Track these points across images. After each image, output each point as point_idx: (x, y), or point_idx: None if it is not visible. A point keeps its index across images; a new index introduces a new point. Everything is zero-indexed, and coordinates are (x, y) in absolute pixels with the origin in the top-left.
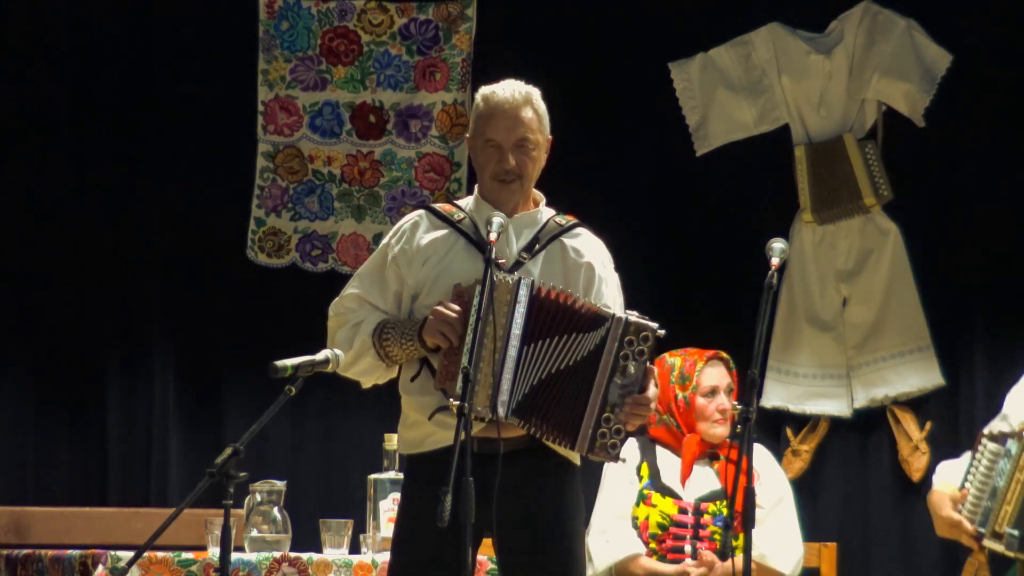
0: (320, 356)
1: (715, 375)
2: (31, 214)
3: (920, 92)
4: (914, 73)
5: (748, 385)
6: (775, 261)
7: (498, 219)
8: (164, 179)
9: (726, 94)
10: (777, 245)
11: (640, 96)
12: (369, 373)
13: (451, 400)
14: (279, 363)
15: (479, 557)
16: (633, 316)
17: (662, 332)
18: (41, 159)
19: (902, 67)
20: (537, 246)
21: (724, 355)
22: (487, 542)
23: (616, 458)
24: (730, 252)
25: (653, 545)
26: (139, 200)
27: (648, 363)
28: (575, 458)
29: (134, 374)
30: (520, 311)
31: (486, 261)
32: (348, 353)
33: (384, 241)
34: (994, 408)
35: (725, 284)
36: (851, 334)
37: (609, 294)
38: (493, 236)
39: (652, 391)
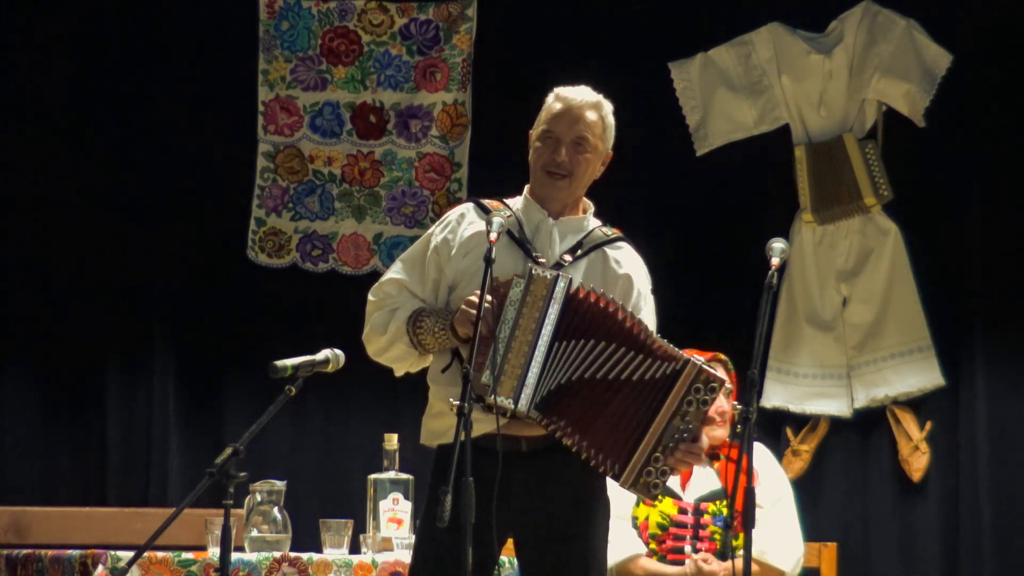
0: (320, 356)
1: None
2: (31, 215)
3: (920, 92)
4: (914, 73)
5: (748, 385)
6: (775, 261)
7: (498, 219)
8: (164, 179)
9: (726, 94)
10: (777, 245)
11: (640, 96)
12: (401, 360)
13: (451, 400)
14: (279, 363)
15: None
16: (706, 365)
17: (729, 386)
18: (41, 159)
19: (902, 67)
20: (580, 251)
21: (722, 357)
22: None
23: (654, 497)
24: (730, 252)
25: (653, 545)
26: (139, 200)
27: (706, 413)
28: None
29: (134, 374)
30: (555, 307)
31: (486, 260)
32: (382, 339)
33: (430, 230)
34: (994, 408)
35: (725, 284)
36: (851, 334)
37: (646, 313)
38: (493, 236)
39: (704, 440)
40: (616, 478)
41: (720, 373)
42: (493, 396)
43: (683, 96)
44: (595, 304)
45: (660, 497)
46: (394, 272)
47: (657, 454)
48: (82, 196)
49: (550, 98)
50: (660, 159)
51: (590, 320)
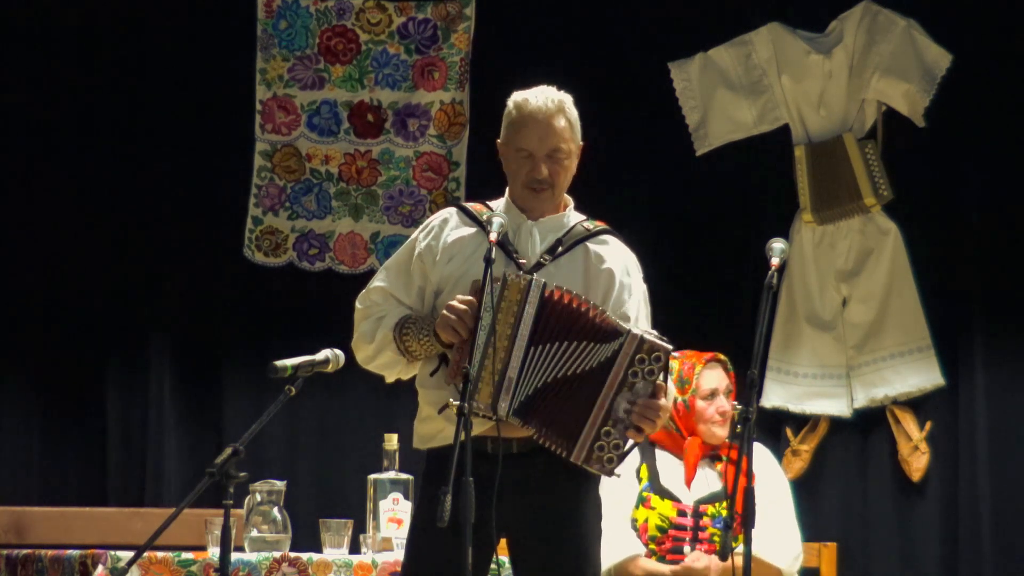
0: (320, 356)
1: (714, 377)
2: (29, 215)
3: (920, 92)
4: (914, 73)
5: (748, 385)
6: (775, 261)
7: (498, 220)
8: (161, 178)
9: (726, 94)
10: (777, 245)
11: (640, 96)
12: (390, 367)
13: (451, 400)
14: (279, 363)
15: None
16: (649, 335)
17: (676, 354)
18: (40, 158)
19: (902, 67)
20: (560, 248)
21: (722, 357)
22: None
23: (611, 472)
24: (730, 252)
25: (652, 547)
26: (137, 199)
27: (659, 381)
28: None
29: (132, 374)
30: (530, 312)
31: (486, 261)
32: (370, 346)
33: (413, 236)
34: (994, 408)
35: (725, 284)
36: (851, 334)
37: (632, 303)
38: (493, 236)
39: (664, 401)
40: (568, 455)
41: (667, 344)
42: (473, 403)
43: (683, 96)
44: (568, 305)
45: (659, 497)
46: (379, 280)
47: (608, 428)
48: (79, 195)
49: (511, 108)
50: (660, 159)
51: (564, 321)
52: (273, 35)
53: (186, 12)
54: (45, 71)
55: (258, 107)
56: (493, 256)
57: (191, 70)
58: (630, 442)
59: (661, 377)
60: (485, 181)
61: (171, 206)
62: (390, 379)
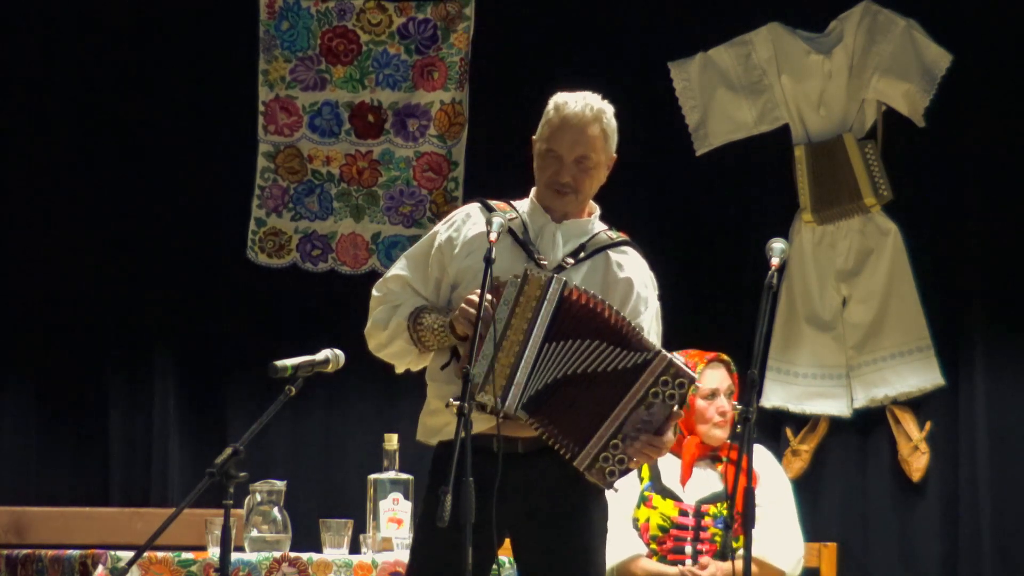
0: (320, 356)
1: (716, 377)
2: (31, 215)
3: (920, 92)
4: (914, 73)
5: (748, 385)
6: (775, 261)
7: (498, 219)
8: (165, 179)
9: (726, 94)
10: (777, 245)
11: (640, 96)
12: (401, 357)
13: (451, 400)
14: (279, 363)
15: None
16: (677, 359)
17: (700, 385)
18: (41, 159)
19: (902, 67)
20: (582, 254)
21: (725, 357)
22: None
23: (610, 486)
24: (730, 252)
25: (654, 546)
26: (140, 201)
27: (674, 408)
28: None
29: (135, 374)
30: (548, 309)
31: (486, 261)
32: (383, 333)
33: (435, 227)
34: (994, 408)
35: (725, 284)
36: (851, 334)
37: (646, 317)
38: (493, 236)
39: (669, 436)
40: (572, 459)
41: (694, 373)
42: (481, 395)
43: (683, 96)
44: (586, 306)
45: (660, 498)
46: (398, 268)
47: (616, 441)
48: (82, 196)
49: (551, 108)
50: (660, 159)
51: (580, 321)
52: (275, 36)
53: (188, 14)
54: (46, 73)
55: (261, 108)
56: (493, 256)
57: (193, 72)
58: (634, 459)
59: (678, 405)
60: (484, 181)
61: (174, 208)
62: (400, 369)
